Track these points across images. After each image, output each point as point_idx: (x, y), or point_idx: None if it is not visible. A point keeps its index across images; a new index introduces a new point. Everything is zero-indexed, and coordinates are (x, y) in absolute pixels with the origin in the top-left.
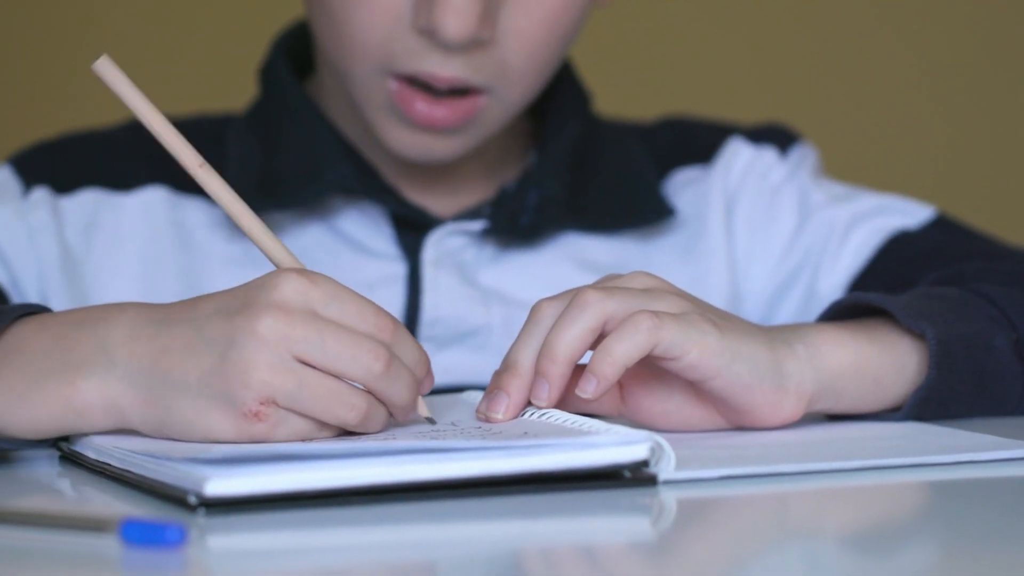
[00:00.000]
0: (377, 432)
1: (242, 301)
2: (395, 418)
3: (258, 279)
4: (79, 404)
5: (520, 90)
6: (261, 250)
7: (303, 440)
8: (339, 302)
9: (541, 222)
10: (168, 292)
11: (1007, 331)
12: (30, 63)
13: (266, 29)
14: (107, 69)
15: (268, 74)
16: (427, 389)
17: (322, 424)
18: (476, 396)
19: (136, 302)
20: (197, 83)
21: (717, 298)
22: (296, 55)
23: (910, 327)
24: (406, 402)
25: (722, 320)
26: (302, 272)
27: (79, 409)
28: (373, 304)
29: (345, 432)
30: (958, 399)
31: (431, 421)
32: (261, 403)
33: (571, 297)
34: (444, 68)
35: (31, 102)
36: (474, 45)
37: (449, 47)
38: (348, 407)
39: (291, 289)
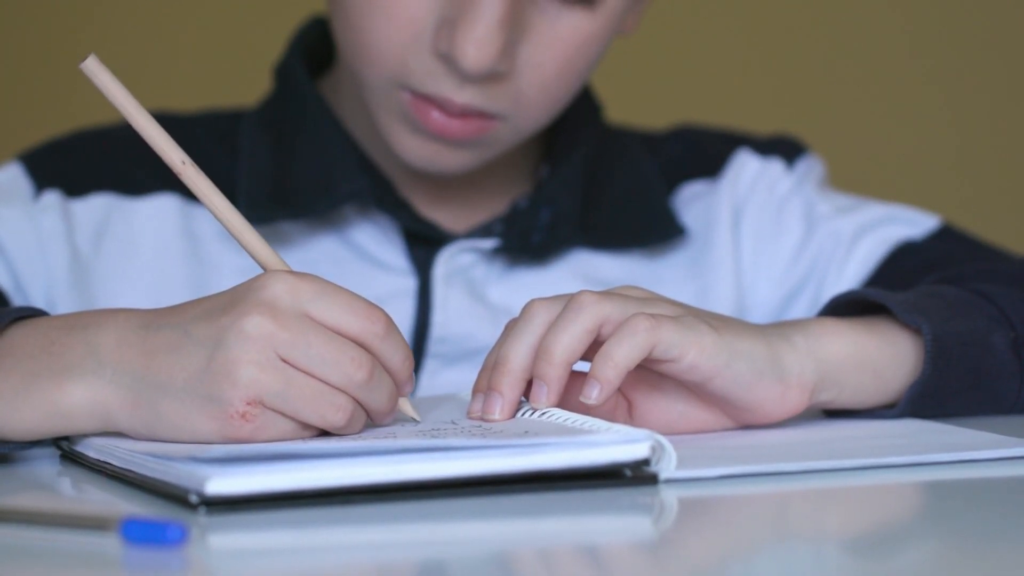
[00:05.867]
0: (358, 432)
1: (229, 302)
2: (373, 421)
3: (247, 281)
4: (67, 407)
5: (533, 119)
6: (248, 252)
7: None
8: (328, 298)
9: (552, 241)
10: (177, 302)
11: (1005, 330)
12: (33, 58)
13: (269, 21)
14: (94, 68)
15: (284, 74)
16: (407, 392)
17: (305, 425)
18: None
19: (126, 308)
20: (200, 77)
21: (723, 310)
22: (312, 50)
23: (907, 323)
24: (385, 410)
25: (717, 321)
26: (290, 272)
27: (67, 412)
28: (364, 300)
29: (324, 433)
30: (954, 395)
31: (416, 421)
32: (248, 404)
33: (565, 300)
34: (459, 94)
35: (35, 98)
36: (492, 76)
37: (467, 77)
38: (335, 408)
39: (280, 289)
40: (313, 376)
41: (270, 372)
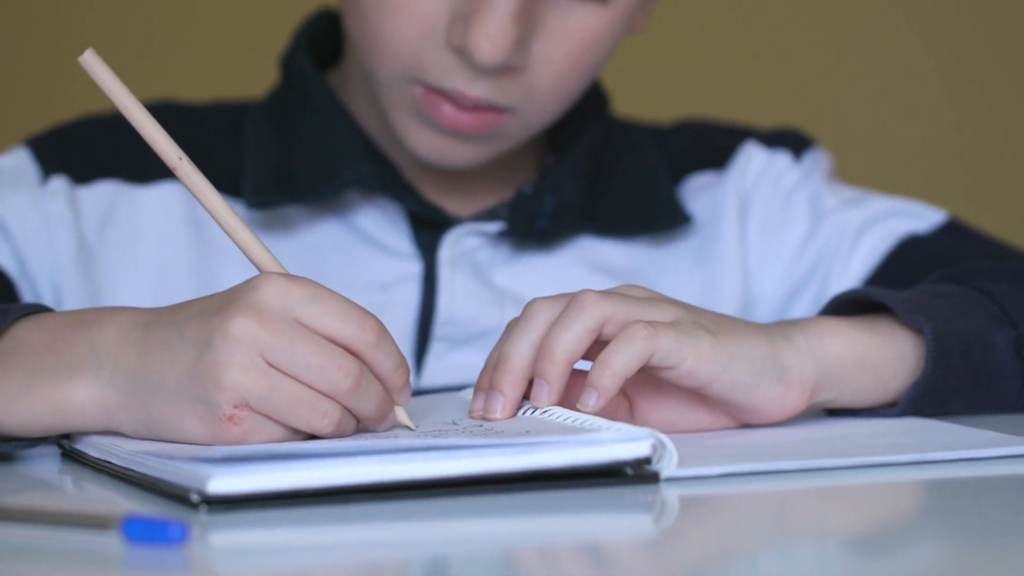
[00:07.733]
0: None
1: (222, 303)
2: (367, 427)
3: (241, 283)
4: (67, 405)
5: (544, 112)
6: (243, 251)
7: None
8: (319, 303)
9: (557, 226)
10: (183, 290)
11: (1007, 328)
12: (37, 45)
13: (278, 14)
14: (92, 62)
15: (290, 65)
16: (404, 400)
17: (294, 429)
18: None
19: (130, 306)
20: (207, 69)
21: (729, 303)
22: (318, 43)
23: (908, 322)
24: (374, 417)
25: (716, 324)
26: (284, 275)
27: (67, 410)
28: (357, 306)
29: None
30: (955, 395)
31: (410, 429)
32: (235, 406)
33: (567, 299)
34: (472, 88)
35: (35, 90)
36: (504, 69)
37: (480, 70)
38: (320, 414)
39: (270, 292)
40: (299, 381)
41: (254, 376)
